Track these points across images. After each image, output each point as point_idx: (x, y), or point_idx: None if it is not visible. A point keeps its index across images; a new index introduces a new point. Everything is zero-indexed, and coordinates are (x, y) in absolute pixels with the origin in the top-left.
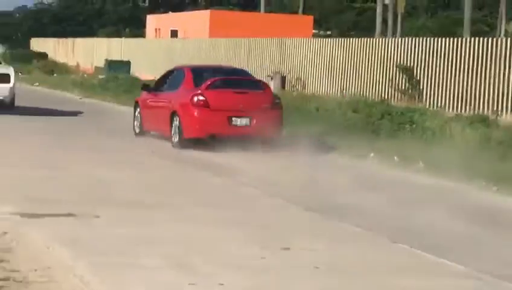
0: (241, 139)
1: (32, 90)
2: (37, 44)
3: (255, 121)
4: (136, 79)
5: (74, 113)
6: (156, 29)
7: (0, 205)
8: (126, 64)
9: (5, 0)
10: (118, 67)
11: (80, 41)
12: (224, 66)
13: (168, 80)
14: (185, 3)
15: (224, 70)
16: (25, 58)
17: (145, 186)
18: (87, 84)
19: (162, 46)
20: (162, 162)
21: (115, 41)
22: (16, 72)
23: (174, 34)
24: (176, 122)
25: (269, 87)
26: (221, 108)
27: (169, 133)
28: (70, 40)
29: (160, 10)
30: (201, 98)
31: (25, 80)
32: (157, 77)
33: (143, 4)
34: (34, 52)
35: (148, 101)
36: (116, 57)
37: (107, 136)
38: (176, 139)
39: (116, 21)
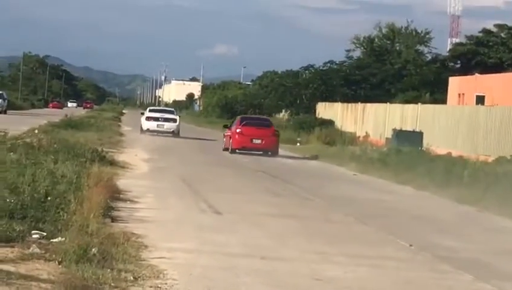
0: (256, 150)
1: (303, 165)
2: (323, 109)
3: (264, 142)
4: (424, 153)
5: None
6: (459, 94)
7: None
8: (417, 135)
9: (289, 60)
10: (407, 139)
11: (370, 107)
12: (255, 116)
13: (232, 123)
14: (502, 65)
15: (254, 117)
16: (307, 125)
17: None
18: (365, 157)
19: (464, 114)
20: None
21: (410, 108)
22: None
23: (479, 100)
24: (230, 141)
25: (272, 125)
26: (248, 134)
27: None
28: (360, 105)
29: (472, 72)
30: (238, 130)
31: (299, 150)
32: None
33: (453, 65)
34: (317, 118)
35: (226, 132)
36: (410, 126)
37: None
38: (230, 149)
39: (419, 85)
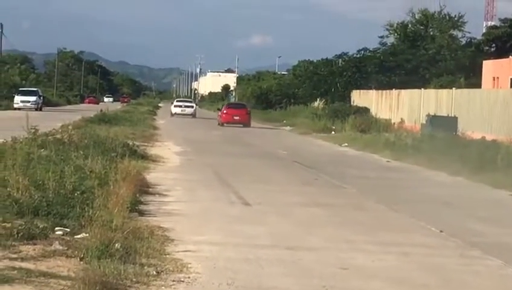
0: (236, 124)
1: (337, 153)
2: (358, 96)
3: (240, 118)
4: (459, 138)
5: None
6: (493, 77)
7: None
8: (452, 121)
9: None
10: (442, 124)
11: (405, 93)
12: (235, 102)
13: (221, 107)
14: None
15: (235, 103)
16: (342, 113)
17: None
18: (400, 144)
19: (498, 98)
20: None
21: (445, 92)
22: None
23: None
24: (220, 118)
25: (246, 107)
26: (230, 113)
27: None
28: (395, 92)
29: (507, 55)
30: (224, 111)
31: (334, 139)
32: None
33: (488, 49)
34: (352, 106)
35: (218, 113)
36: (445, 111)
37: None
38: (219, 123)
39: (454, 69)
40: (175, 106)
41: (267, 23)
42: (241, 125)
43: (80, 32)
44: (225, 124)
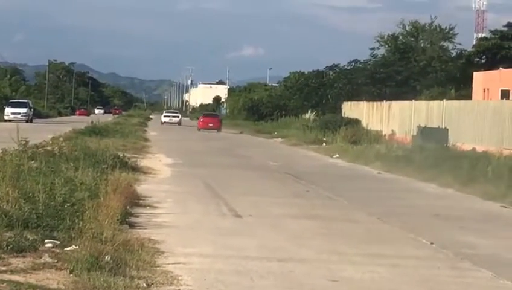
0: (210, 129)
1: (328, 165)
2: (349, 108)
3: (213, 125)
4: (449, 149)
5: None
6: (484, 89)
7: None
8: (442, 132)
9: (315, 60)
10: (432, 136)
11: (396, 104)
12: (209, 112)
13: (199, 116)
14: None
15: (209, 113)
16: (333, 125)
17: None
18: (390, 156)
19: (489, 109)
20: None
21: (436, 104)
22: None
23: (505, 94)
24: (198, 125)
25: (218, 116)
26: (206, 121)
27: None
28: (385, 103)
29: (497, 67)
30: (201, 119)
31: (325, 150)
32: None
33: (478, 60)
34: (343, 118)
35: (198, 121)
36: (435, 123)
37: None
38: (198, 128)
39: (444, 81)
40: (164, 116)
41: (258, 35)
42: (215, 131)
43: (71, 44)
44: (202, 130)
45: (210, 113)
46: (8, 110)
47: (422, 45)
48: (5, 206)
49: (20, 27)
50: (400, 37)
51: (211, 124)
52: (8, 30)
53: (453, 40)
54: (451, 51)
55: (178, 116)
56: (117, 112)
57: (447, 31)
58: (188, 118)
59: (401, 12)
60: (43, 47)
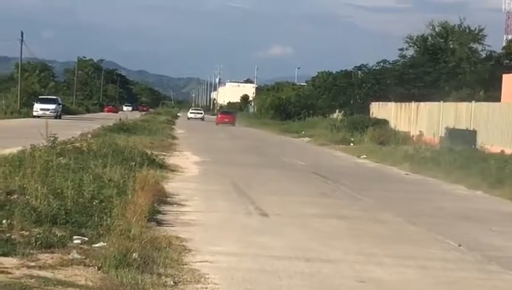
0: (226, 124)
1: (356, 165)
2: (377, 108)
3: (229, 120)
4: (477, 151)
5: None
6: None
7: None
8: (471, 134)
9: (343, 59)
10: (460, 137)
11: (424, 105)
12: (226, 110)
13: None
14: None
15: (225, 110)
16: (361, 125)
17: None
18: (418, 157)
19: None
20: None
21: (464, 106)
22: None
23: None
24: (216, 120)
25: (233, 112)
26: (223, 117)
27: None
28: (414, 104)
29: None
30: (219, 115)
31: (352, 150)
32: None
33: (508, 62)
34: (371, 118)
35: (216, 115)
36: (464, 124)
37: None
38: (216, 123)
39: (473, 82)
40: (190, 113)
41: (287, 34)
42: (230, 125)
43: (100, 41)
44: (219, 124)
45: (226, 111)
46: (37, 106)
47: (451, 46)
48: (34, 202)
49: (49, 23)
50: (429, 38)
51: (226, 119)
52: (38, 26)
53: (482, 41)
54: (481, 53)
55: (201, 113)
56: (144, 109)
57: (476, 32)
58: (215, 116)
59: (430, 12)
60: (72, 44)
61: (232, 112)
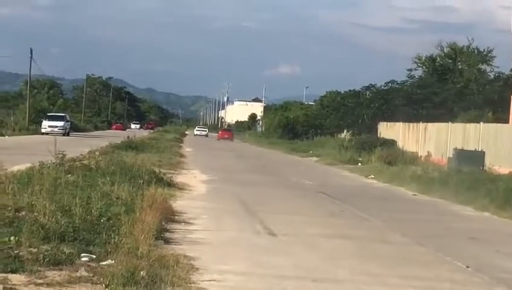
0: (225, 139)
1: (364, 185)
2: (385, 128)
3: (228, 136)
4: (485, 173)
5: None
6: None
7: None
8: (479, 155)
9: (352, 79)
10: (468, 159)
11: (432, 126)
12: (226, 127)
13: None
14: None
15: (224, 128)
16: (368, 145)
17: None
18: (426, 177)
19: None
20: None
21: (472, 127)
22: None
23: None
24: (217, 136)
25: (232, 130)
26: (223, 134)
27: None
28: (422, 125)
29: None
30: (220, 132)
31: (360, 170)
32: None
33: None
34: (379, 138)
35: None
36: (472, 145)
37: None
38: (217, 138)
39: (482, 103)
40: (196, 130)
41: (295, 53)
42: (229, 140)
43: (109, 59)
44: (220, 139)
45: (225, 129)
46: (46, 123)
47: (460, 67)
48: (42, 219)
49: (58, 40)
50: (438, 59)
51: (226, 135)
52: (47, 43)
53: (490, 62)
54: (489, 74)
55: (206, 130)
56: (149, 126)
57: (485, 53)
58: None
59: (438, 33)
60: (81, 61)
61: (230, 129)
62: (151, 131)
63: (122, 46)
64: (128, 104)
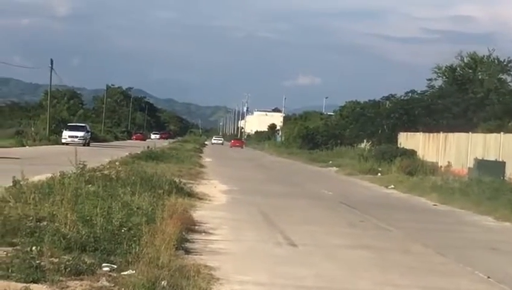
0: (237, 147)
1: (384, 195)
2: (405, 139)
3: (239, 144)
4: (507, 183)
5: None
6: None
7: None
8: (499, 165)
9: (371, 89)
10: (489, 169)
11: (452, 136)
12: (237, 138)
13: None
14: None
15: (236, 138)
16: (388, 155)
17: None
18: (447, 188)
19: None
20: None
21: (493, 137)
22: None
23: None
24: (230, 145)
25: (242, 139)
26: (234, 143)
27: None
28: (442, 135)
29: None
30: (232, 141)
31: (380, 181)
32: None
33: None
34: (399, 148)
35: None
36: (492, 155)
37: None
38: (230, 146)
39: (502, 114)
40: (213, 139)
41: (315, 63)
42: (240, 147)
43: (129, 69)
44: (232, 147)
45: (237, 138)
46: (66, 134)
47: (480, 77)
48: (63, 229)
49: (78, 51)
50: (458, 69)
51: (237, 144)
52: (67, 54)
53: (511, 72)
54: (510, 84)
55: (221, 140)
56: (164, 136)
57: (505, 63)
58: None
59: (457, 43)
60: (101, 71)
61: (240, 139)
62: (171, 141)
63: (143, 56)
64: (148, 114)
